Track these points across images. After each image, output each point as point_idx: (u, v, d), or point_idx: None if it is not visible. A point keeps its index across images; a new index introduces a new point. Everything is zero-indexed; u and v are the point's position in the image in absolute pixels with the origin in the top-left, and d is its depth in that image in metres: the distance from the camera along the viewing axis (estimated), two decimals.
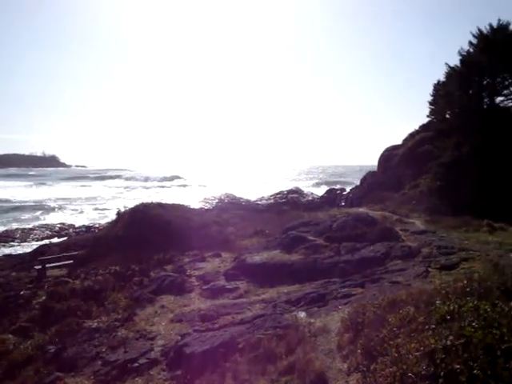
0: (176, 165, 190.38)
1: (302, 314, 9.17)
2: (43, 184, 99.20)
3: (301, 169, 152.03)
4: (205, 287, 13.04)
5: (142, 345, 9.37)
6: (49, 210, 53.60)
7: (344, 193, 50.98)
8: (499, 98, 29.07)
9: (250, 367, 6.95)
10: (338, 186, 62.71)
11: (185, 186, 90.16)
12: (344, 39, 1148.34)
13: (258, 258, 14.70)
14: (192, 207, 31.23)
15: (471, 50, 29.56)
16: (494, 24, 28.07)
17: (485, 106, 29.18)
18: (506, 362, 3.99)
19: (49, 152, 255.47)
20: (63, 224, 40.07)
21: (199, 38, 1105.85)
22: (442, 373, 4.18)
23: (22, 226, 39.43)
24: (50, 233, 36.48)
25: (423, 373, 4.33)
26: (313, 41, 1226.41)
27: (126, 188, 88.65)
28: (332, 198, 48.68)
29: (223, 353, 7.79)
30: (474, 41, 29.42)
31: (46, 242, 31.19)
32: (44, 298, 13.36)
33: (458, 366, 4.12)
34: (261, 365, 6.95)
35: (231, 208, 38.52)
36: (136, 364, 8.53)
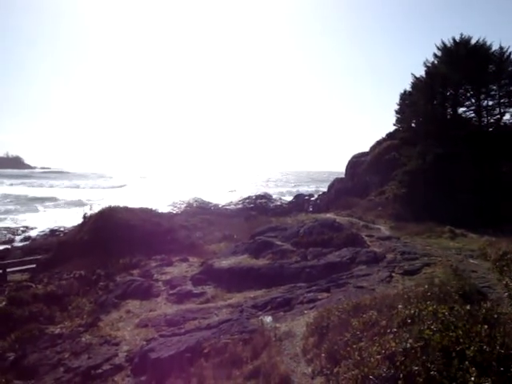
0: (147, 166, 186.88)
1: (268, 319, 9.23)
2: None
3: (271, 174, 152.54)
4: (171, 292, 12.93)
5: (106, 350, 9.23)
6: None
7: (312, 198, 51.55)
8: (461, 109, 30.24)
9: (216, 372, 6.97)
10: (306, 192, 63.40)
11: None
12: (322, 46, 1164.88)
13: (225, 262, 14.69)
14: (160, 211, 30.88)
15: (435, 61, 30.66)
16: (457, 38, 29.23)
17: (448, 116, 30.23)
18: (461, 362, 4.16)
19: (13, 153, 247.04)
20: (26, 227, 39.06)
21: (169, 40, 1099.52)
22: (402, 375, 4.32)
23: None
24: (13, 236, 35.51)
25: (383, 375, 4.46)
26: (287, 47, 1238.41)
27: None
28: (300, 203, 49.10)
29: (189, 358, 7.77)
30: (439, 53, 30.55)
31: (8, 246, 30.22)
32: (4, 303, 12.92)
33: (417, 368, 4.27)
34: (226, 369, 6.97)
35: (200, 213, 38.37)
36: (100, 370, 8.40)
